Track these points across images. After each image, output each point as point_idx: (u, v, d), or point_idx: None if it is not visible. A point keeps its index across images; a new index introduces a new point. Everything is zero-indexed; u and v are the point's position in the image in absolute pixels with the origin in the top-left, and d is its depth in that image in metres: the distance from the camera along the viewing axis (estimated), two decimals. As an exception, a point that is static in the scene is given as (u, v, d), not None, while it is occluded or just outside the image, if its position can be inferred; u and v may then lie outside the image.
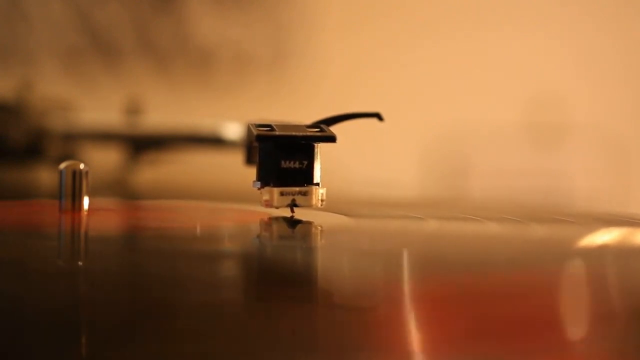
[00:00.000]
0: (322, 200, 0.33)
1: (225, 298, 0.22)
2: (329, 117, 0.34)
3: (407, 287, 0.24)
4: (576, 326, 0.21)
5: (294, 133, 0.33)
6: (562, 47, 0.96)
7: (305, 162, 0.33)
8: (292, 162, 0.33)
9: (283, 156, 0.33)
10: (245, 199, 0.40)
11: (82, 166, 0.34)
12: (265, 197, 0.33)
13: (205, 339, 0.18)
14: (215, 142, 0.60)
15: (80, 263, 0.27)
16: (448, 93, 0.94)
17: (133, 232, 0.36)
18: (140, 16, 0.95)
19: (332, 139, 0.33)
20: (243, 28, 0.96)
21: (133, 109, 0.62)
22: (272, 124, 0.33)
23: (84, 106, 0.67)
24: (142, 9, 0.95)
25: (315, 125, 0.34)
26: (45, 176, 0.60)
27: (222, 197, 0.48)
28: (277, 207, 0.33)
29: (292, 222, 0.34)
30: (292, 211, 0.34)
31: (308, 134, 0.33)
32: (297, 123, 0.34)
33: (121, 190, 0.57)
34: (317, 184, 0.33)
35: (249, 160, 0.41)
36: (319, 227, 0.35)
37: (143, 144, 0.61)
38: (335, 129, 0.34)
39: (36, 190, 0.58)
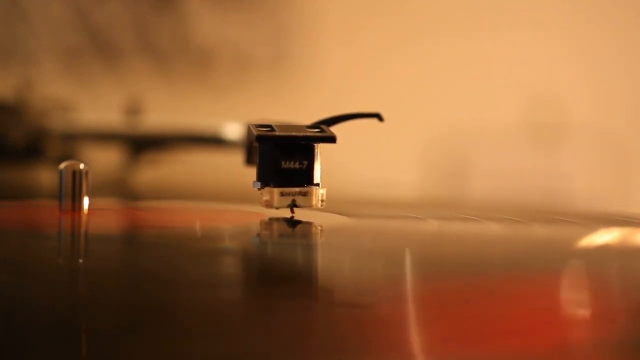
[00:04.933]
0: (322, 201, 0.33)
1: (225, 298, 0.22)
2: (329, 117, 0.34)
3: (407, 287, 0.24)
4: (576, 326, 0.21)
5: (294, 133, 0.33)
6: (562, 47, 0.96)
7: (306, 163, 0.33)
8: (292, 163, 0.33)
9: (283, 156, 0.33)
10: (245, 200, 0.40)
11: (82, 166, 0.34)
12: (266, 197, 0.33)
13: (205, 339, 0.18)
14: (215, 142, 0.60)
15: (80, 263, 0.27)
16: (448, 93, 0.94)
17: (133, 232, 0.36)
18: (140, 16, 0.95)
19: (332, 139, 0.33)
20: (243, 28, 0.96)
21: (133, 109, 0.62)
22: (272, 124, 0.33)
23: (84, 106, 0.67)
24: (142, 9, 0.95)
25: (316, 125, 0.34)
26: (45, 176, 0.60)
27: (222, 198, 0.48)
28: (277, 208, 0.33)
29: (292, 223, 0.34)
30: (292, 211, 0.34)
31: (308, 134, 0.33)
32: (297, 123, 0.34)
33: (121, 190, 0.57)
34: (317, 185, 0.33)
35: (249, 161, 0.41)
36: (319, 228, 0.35)
37: (143, 144, 0.61)
38: (335, 129, 0.34)
39: (36, 190, 0.58)
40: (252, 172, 0.34)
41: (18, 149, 0.62)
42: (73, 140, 0.62)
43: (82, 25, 0.95)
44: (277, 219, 0.35)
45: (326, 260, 0.29)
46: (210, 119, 0.61)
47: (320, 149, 0.33)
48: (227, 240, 0.32)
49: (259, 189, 0.33)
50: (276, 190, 0.33)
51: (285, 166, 0.33)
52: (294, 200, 0.33)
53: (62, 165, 0.34)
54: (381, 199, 0.55)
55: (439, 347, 0.19)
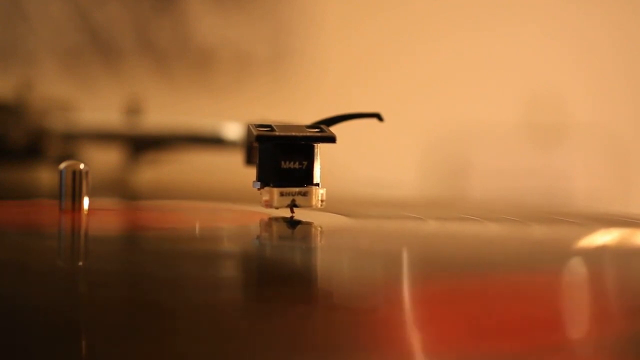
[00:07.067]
0: (322, 201, 0.33)
1: (224, 298, 0.22)
2: (329, 117, 0.34)
3: (407, 288, 0.24)
4: (576, 326, 0.21)
5: (294, 133, 0.33)
6: (561, 47, 0.96)
7: (305, 163, 0.33)
8: (292, 163, 0.33)
9: (283, 156, 0.33)
10: (245, 199, 0.40)
11: (82, 166, 0.34)
12: (265, 197, 0.33)
13: (204, 340, 0.18)
14: (215, 142, 0.60)
15: (80, 263, 0.27)
16: (448, 93, 0.94)
17: (133, 233, 0.36)
18: (140, 16, 0.95)
19: (332, 139, 0.33)
20: (243, 28, 0.96)
21: (133, 109, 0.62)
22: (272, 124, 0.33)
23: (84, 106, 0.67)
24: (142, 9, 0.95)
25: (315, 125, 0.34)
26: (45, 176, 0.60)
27: (222, 198, 0.48)
28: (277, 208, 0.33)
29: (292, 223, 0.34)
30: (292, 211, 0.34)
31: (308, 134, 0.33)
32: (297, 123, 0.34)
33: (121, 190, 0.57)
34: (317, 185, 0.33)
35: (249, 161, 0.41)
36: (319, 228, 0.35)
37: (143, 144, 0.61)
38: (335, 129, 0.34)
39: (36, 190, 0.57)
40: (251, 172, 0.34)
41: (18, 149, 0.62)
42: (73, 140, 0.62)
43: (82, 25, 0.95)
44: (277, 219, 0.35)
45: (326, 260, 0.29)
46: (210, 119, 0.61)
47: (320, 148, 0.33)
48: (227, 241, 0.32)
49: (258, 189, 0.33)
50: (276, 190, 0.33)
51: (285, 166, 0.33)
52: (293, 200, 0.33)
53: (62, 165, 0.34)
54: (381, 199, 0.55)
55: (439, 348, 0.19)
